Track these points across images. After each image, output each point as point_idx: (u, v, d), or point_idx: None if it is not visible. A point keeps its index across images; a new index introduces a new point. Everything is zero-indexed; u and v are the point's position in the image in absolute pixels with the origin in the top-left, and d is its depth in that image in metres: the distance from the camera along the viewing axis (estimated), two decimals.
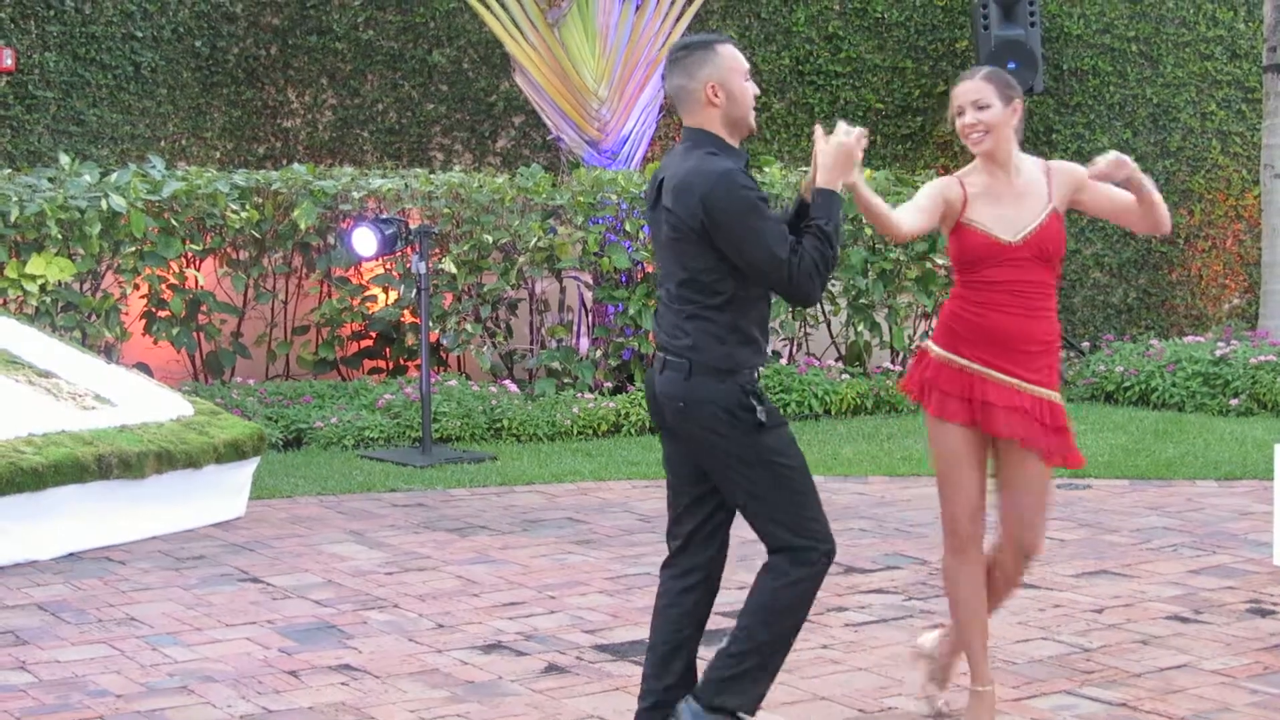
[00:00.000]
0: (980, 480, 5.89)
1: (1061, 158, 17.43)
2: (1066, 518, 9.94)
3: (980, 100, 5.81)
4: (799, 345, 15.59)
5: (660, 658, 5.67)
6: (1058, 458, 5.89)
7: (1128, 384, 15.09)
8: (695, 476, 5.63)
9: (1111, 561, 8.73)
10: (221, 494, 10.06)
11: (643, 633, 7.26)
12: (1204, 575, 8.40)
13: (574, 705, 6.27)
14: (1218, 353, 14.97)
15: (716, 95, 5.48)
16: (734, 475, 5.50)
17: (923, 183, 15.57)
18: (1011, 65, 16.36)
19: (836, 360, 15.51)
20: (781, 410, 13.89)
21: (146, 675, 6.69)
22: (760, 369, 5.70)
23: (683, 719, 5.53)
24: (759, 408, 5.41)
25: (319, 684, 6.55)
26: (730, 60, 5.53)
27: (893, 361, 15.69)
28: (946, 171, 16.99)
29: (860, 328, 15.48)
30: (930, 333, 6.13)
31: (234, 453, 10.06)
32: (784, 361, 15.09)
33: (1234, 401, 14.29)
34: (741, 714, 5.53)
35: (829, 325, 15.69)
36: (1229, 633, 7.23)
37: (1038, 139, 17.76)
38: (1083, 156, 17.68)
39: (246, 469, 10.26)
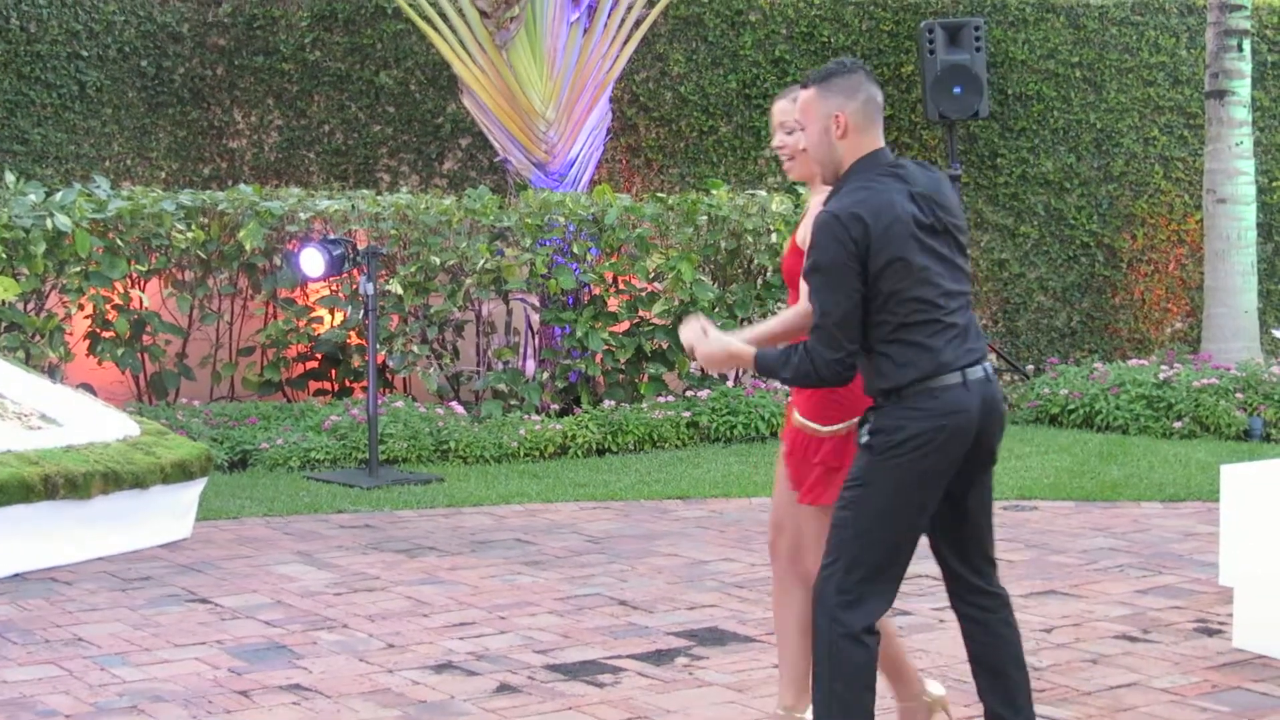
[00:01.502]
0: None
1: (1006, 181, 17.61)
2: (1014, 539, 9.97)
3: (786, 124, 5.67)
4: (744, 369, 15.58)
5: None
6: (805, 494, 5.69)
7: (1072, 407, 15.15)
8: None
9: (1059, 582, 8.77)
10: (168, 515, 10.01)
11: (594, 653, 7.28)
12: (1151, 595, 8.44)
13: None
14: (1161, 376, 15.05)
15: (839, 126, 5.32)
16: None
17: None
18: (957, 90, 16.43)
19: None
20: (729, 431, 13.97)
21: (95, 695, 6.65)
22: None
23: None
24: None
25: (270, 704, 6.53)
26: (866, 103, 5.39)
27: None
28: None
29: None
30: None
31: (181, 473, 10.01)
32: (730, 384, 15.10)
33: (1177, 424, 14.36)
34: None
35: None
36: (1177, 651, 7.27)
37: (983, 163, 17.85)
38: (1028, 181, 17.84)
39: (193, 490, 10.21)
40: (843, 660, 5.15)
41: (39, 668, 7.08)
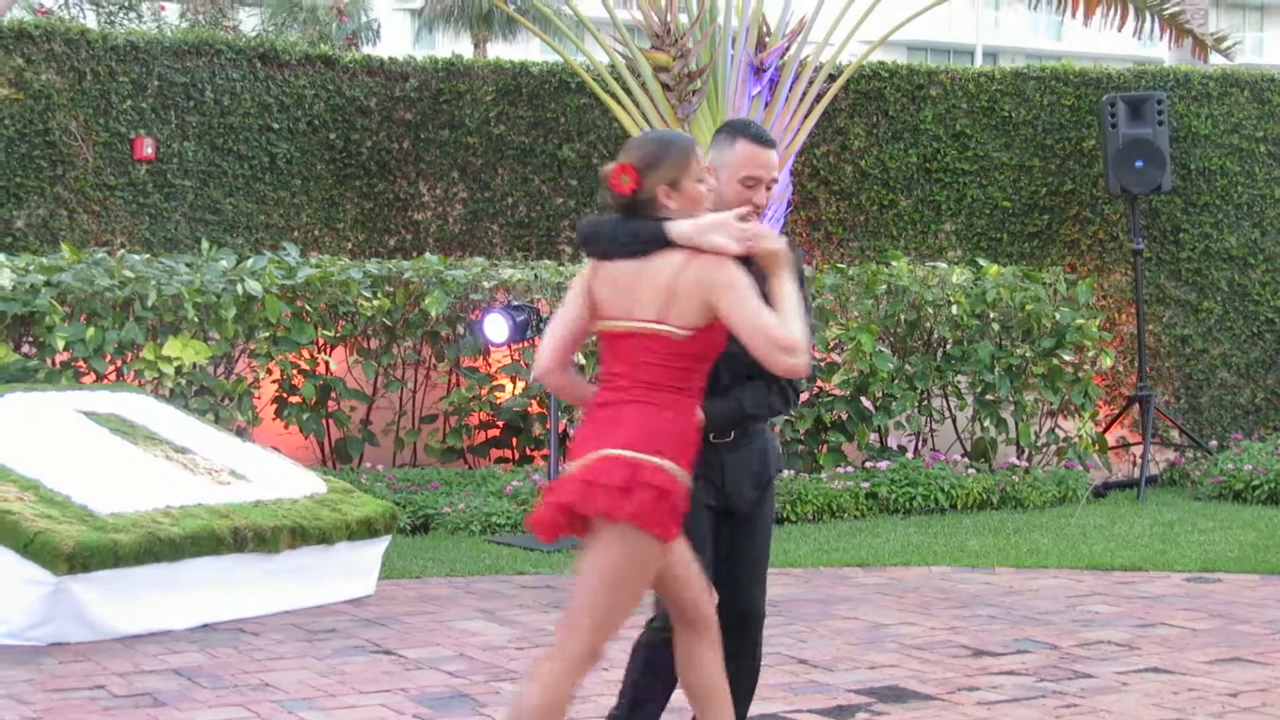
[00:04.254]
0: None
1: (1189, 257, 17.44)
2: (1198, 609, 9.88)
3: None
4: (925, 440, 15.57)
5: None
6: None
7: (1256, 483, 14.96)
8: None
9: (1245, 650, 8.67)
10: (353, 571, 10.17)
11: (774, 707, 7.30)
12: None
13: None
14: None
15: (710, 174, 5.52)
16: None
17: (1050, 281, 15.65)
18: (1139, 164, 16.34)
19: (962, 456, 15.46)
20: (907, 503, 13.95)
21: None
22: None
23: None
24: None
25: None
26: (740, 158, 5.72)
27: (1018, 457, 15.63)
28: (1073, 270, 16.99)
29: (986, 423, 15.44)
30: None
31: (366, 530, 10.17)
32: (910, 456, 15.07)
33: None
34: None
35: (954, 421, 15.66)
36: None
37: (1165, 238, 17.72)
38: (1211, 256, 17.66)
39: (378, 547, 10.37)
40: None
41: (228, 709, 7.22)
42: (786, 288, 5.21)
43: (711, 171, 5.53)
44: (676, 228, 5.20)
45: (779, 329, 5.07)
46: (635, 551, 5.14)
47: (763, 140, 5.71)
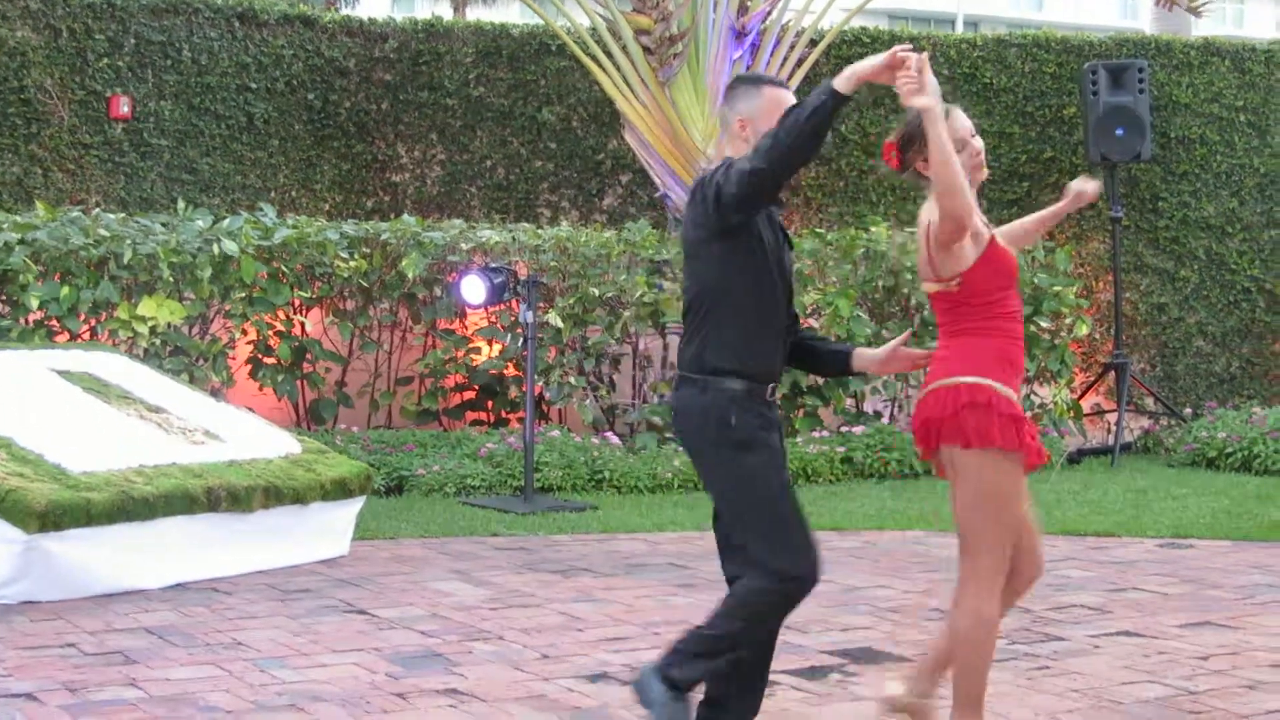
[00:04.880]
0: None
1: (1167, 225, 17.45)
2: (1170, 574, 9.89)
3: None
4: (900, 406, 15.57)
5: None
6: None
7: (1230, 450, 14.99)
8: None
9: (1216, 614, 8.68)
10: (327, 531, 10.15)
11: None
12: None
13: None
14: None
15: (744, 130, 5.66)
16: None
17: (1029, 247, 15.64)
18: (1119, 132, 16.33)
19: None
20: (882, 468, 13.96)
21: (256, 694, 6.75)
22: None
23: (642, 677, 5.68)
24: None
25: (427, 706, 6.60)
26: (769, 103, 5.66)
27: None
28: (1051, 237, 16.97)
29: None
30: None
31: (340, 491, 10.15)
32: (885, 421, 15.07)
33: None
34: (674, 685, 5.61)
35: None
36: None
37: (1144, 206, 17.73)
38: (1189, 225, 17.67)
39: (352, 507, 10.35)
40: None
41: (200, 668, 7.20)
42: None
43: (746, 125, 5.69)
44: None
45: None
46: (982, 471, 5.65)
47: (783, 84, 5.89)
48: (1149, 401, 17.53)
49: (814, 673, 7.26)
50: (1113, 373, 16.64)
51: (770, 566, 5.61)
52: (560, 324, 14.24)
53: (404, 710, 6.54)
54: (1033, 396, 15.74)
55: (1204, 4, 17.42)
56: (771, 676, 7.07)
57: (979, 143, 5.84)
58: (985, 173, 5.87)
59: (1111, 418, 16.72)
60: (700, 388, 5.66)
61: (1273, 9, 67.69)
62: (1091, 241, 17.80)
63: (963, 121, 5.76)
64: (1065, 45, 18.13)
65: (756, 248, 5.60)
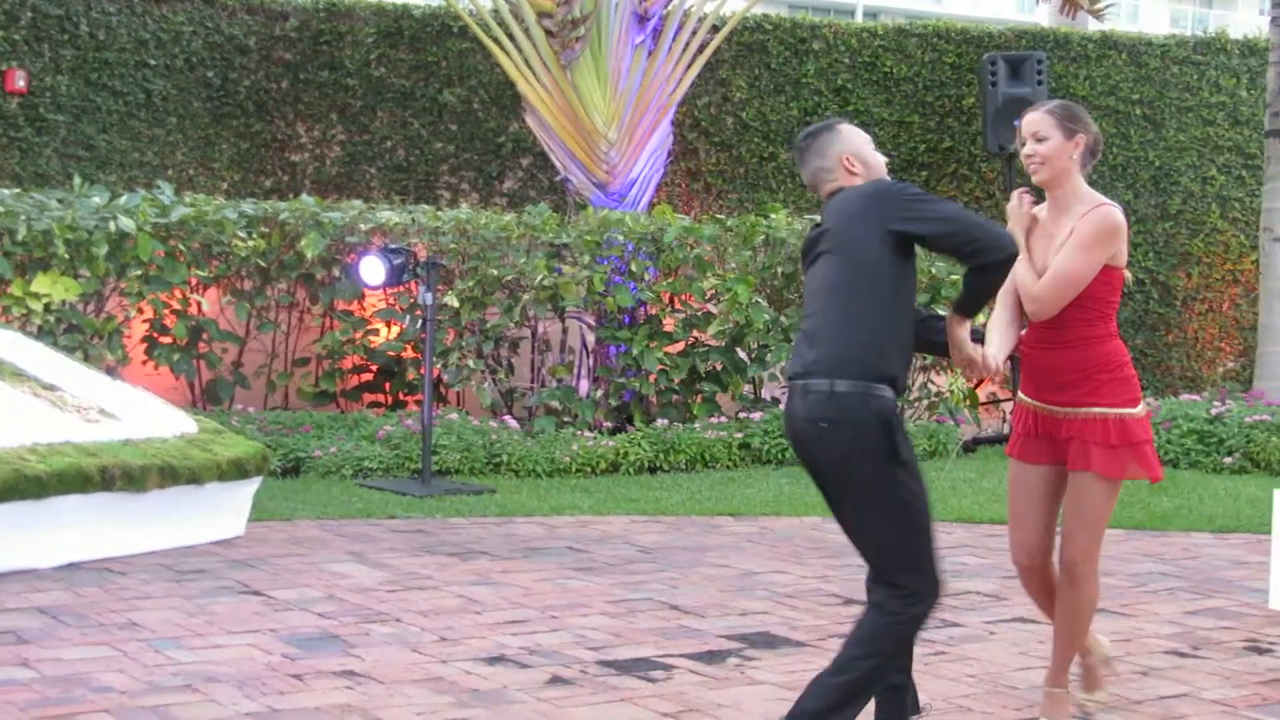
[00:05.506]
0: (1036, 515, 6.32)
1: None
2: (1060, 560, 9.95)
3: (1039, 132, 6.04)
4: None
5: None
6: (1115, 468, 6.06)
7: None
8: None
9: (1109, 601, 8.75)
10: (222, 512, 10.08)
11: (646, 651, 7.31)
12: (1201, 616, 8.44)
13: (580, 714, 6.29)
14: (1213, 412, 15.01)
15: (854, 165, 5.65)
16: None
17: None
18: (1017, 122, 16.35)
19: None
20: (780, 454, 13.99)
21: (150, 674, 6.70)
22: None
23: None
24: None
25: (324, 687, 6.57)
26: (856, 134, 5.76)
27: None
28: None
29: None
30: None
31: (237, 471, 10.08)
32: (783, 407, 15.09)
33: (1228, 460, 14.34)
34: None
35: None
36: (1227, 667, 7.27)
37: (1041, 197, 17.82)
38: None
39: (248, 488, 10.28)
40: None
41: (94, 648, 7.13)
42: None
43: (854, 159, 5.72)
44: None
45: None
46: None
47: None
48: None
49: (712, 656, 7.28)
50: (1008, 362, 16.72)
51: (922, 590, 5.48)
52: (458, 305, 14.20)
53: (300, 692, 6.51)
54: (929, 385, 15.82)
55: (1105, 6, 17.57)
56: (668, 660, 7.11)
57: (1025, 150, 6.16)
58: (1039, 171, 6.16)
59: (1006, 406, 16.85)
60: (862, 396, 5.41)
61: (1167, 4, 68.32)
62: None
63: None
64: (965, 36, 18.25)
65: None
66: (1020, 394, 6.29)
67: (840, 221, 5.54)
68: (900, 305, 5.50)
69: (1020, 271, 5.99)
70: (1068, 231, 6.02)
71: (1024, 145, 6.08)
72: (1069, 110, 6.09)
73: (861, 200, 5.52)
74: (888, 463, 5.39)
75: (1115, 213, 5.99)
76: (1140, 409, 6.08)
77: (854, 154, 5.66)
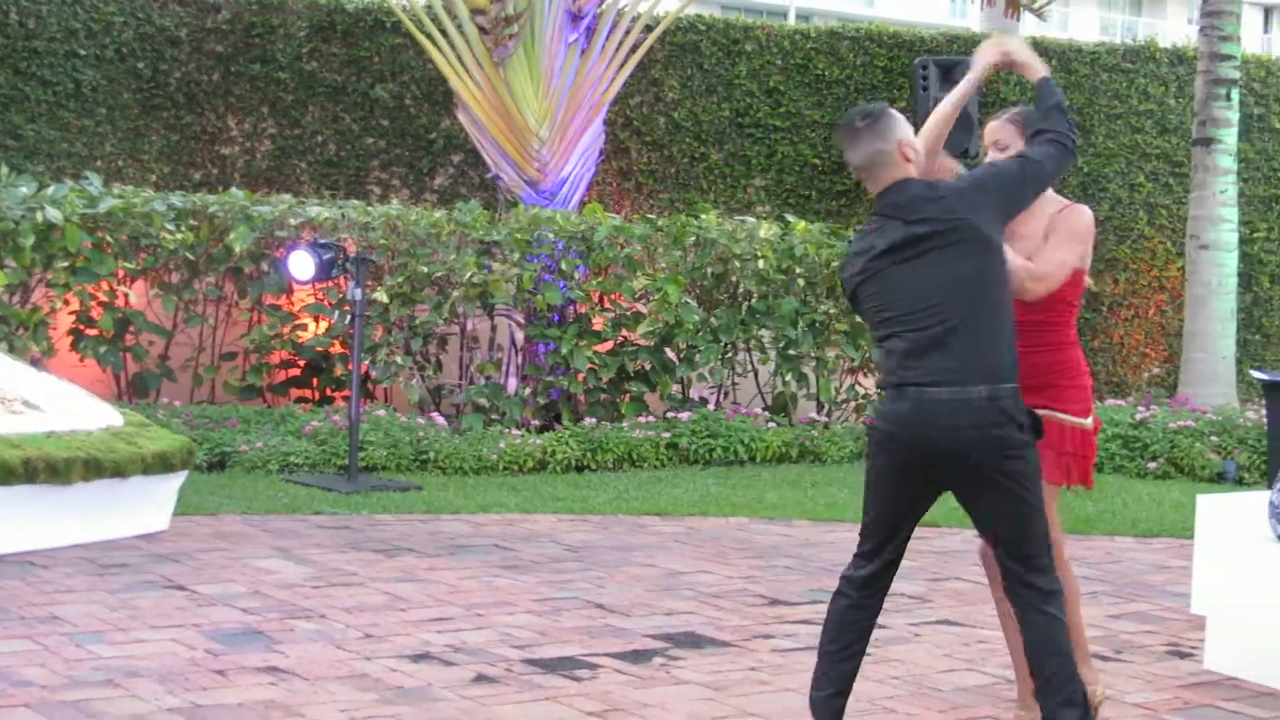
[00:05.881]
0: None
1: None
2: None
3: (1000, 141, 6.09)
4: (726, 394, 15.64)
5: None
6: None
7: None
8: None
9: None
10: (147, 506, 10.02)
11: (571, 650, 7.31)
12: (1123, 620, 8.49)
13: (504, 712, 6.27)
14: (1138, 417, 15.12)
15: (910, 153, 5.59)
16: None
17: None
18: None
19: (763, 409, 15.55)
20: (707, 454, 14.02)
21: (71, 669, 6.65)
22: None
23: None
24: None
25: (247, 683, 6.54)
26: (906, 122, 5.73)
27: (818, 413, 15.75)
28: None
29: (788, 378, 15.55)
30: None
31: (162, 465, 10.02)
32: (712, 408, 15.13)
33: (1152, 465, 14.44)
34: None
35: (756, 375, 15.75)
36: (1150, 671, 7.32)
37: None
38: None
39: (173, 482, 10.22)
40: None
41: (15, 642, 7.08)
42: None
43: (908, 146, 5.66)
44: None
45: None
46: None
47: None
48: None
49: (637, 656, 7.28)
50: None
51: (1054, 571, 5.65)
52: (387, 301, 14.17)
53: (223, 687, 6.48)
54: (857, 387, 15.88)
55: (1045, 4, 17.65)
56: (593, 659, 7.12)
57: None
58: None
59: None
60: (1013, 395, 5.49)
61: (1097, 12, 68.69)
62: None
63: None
64: (897, 40, 18.32)
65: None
66: None
67: (959, 217, 5.46)
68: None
69: (1011, 258, 5.93)
70: (1042, 230, 6.01)
71: (987, 154, 6.12)
72: (1028, 118, 6.08)
73: (978, 194, 5.52)
74: (1029, 460, 5.55)
75: (1090, 212, 6.13)
76: (1090, 420, 6.16)
77: (910, 142, 5.61)
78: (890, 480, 5.76)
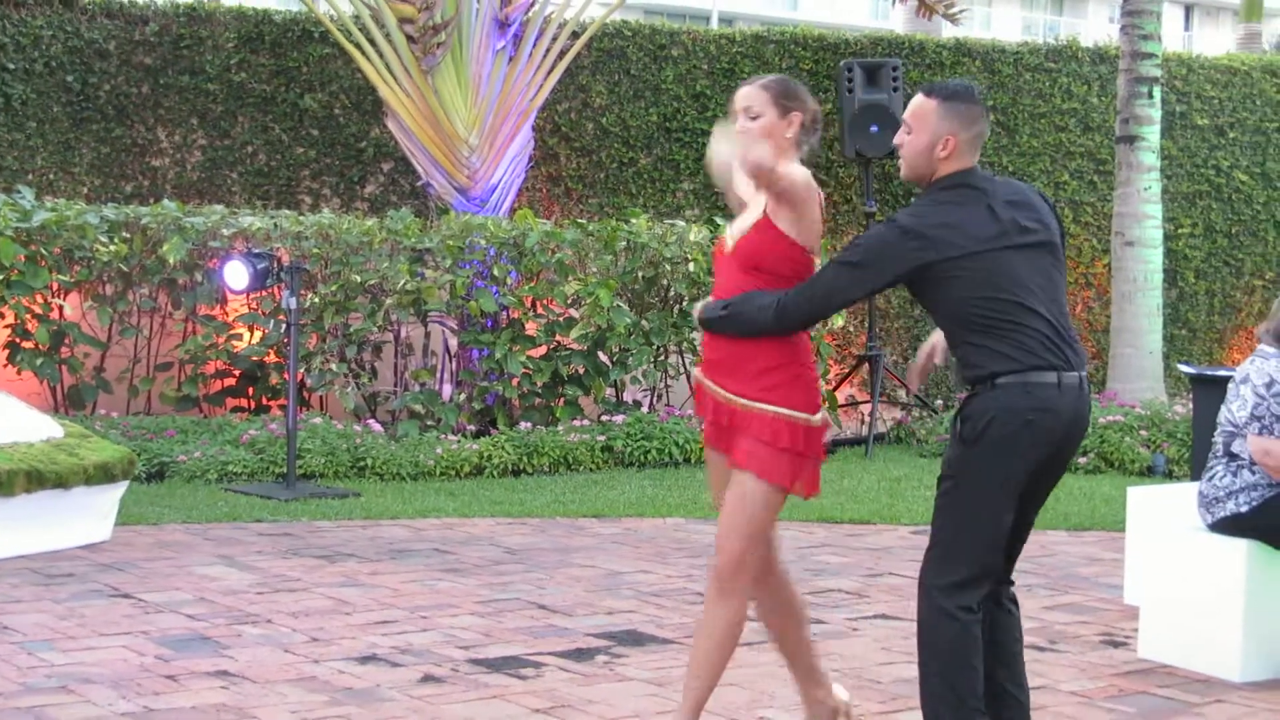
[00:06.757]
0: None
1: None
2: (916, 560, 10.14)
3: (751, 108, 5.74)
4: (660, 396, 15.77)
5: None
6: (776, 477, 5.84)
7: None
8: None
9: None
10: (89, 516, 10.08)
11: (516, 649, 7.42)
12: (1058, 611, 8.67)
13: (453, 711, 6.40)
14: None
15: (949, 144, 5.66)
16: None
17: None
18: (873, 129, 16.66)
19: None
20: (642, 456, 14.14)
21: (24, 676, 6.74)
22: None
23: None
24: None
25: (198, 687, 6.64)
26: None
27: None
28: None
29: None
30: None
31: (103, 475, 10.08)
32: (645, 410, 15.25)
33: (1083, 460, 14.63)
34: None
35: (689, 377, 15.87)
36: (1085, 660, 7.49)
37: (897, 201, 18.11)
38: None
39: (115, 492, 10.28)
40: (938, 637, 5.66)
41: None
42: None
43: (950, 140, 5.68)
44: None
45: None
46: None
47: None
48: (901, 393, 17.94)
49: (580, 654, 7.41)
50: (866, 364, 17.00)
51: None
52: (322, 310, 14.23)
53: (176, 691, 6.58)
54: None
55: (960, 11, 17.83)
56: (538, 658, 7.24)
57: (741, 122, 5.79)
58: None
59: (865, 409, 17.07)
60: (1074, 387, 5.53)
61: (1019, 12, 69.21)
62: (847, 235, 18.16)
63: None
64: (822, 43, 18.49)
65: None
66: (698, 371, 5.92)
67: (1044, 221, 5.56)
68: None
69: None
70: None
71: (736, 120, 5.75)
72: (785, 86, 5.81)
73: (1048, 207, 5.67)
74: None
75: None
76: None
77: (950, 134, 5.64)
78: (1028, 477, 5.53)
